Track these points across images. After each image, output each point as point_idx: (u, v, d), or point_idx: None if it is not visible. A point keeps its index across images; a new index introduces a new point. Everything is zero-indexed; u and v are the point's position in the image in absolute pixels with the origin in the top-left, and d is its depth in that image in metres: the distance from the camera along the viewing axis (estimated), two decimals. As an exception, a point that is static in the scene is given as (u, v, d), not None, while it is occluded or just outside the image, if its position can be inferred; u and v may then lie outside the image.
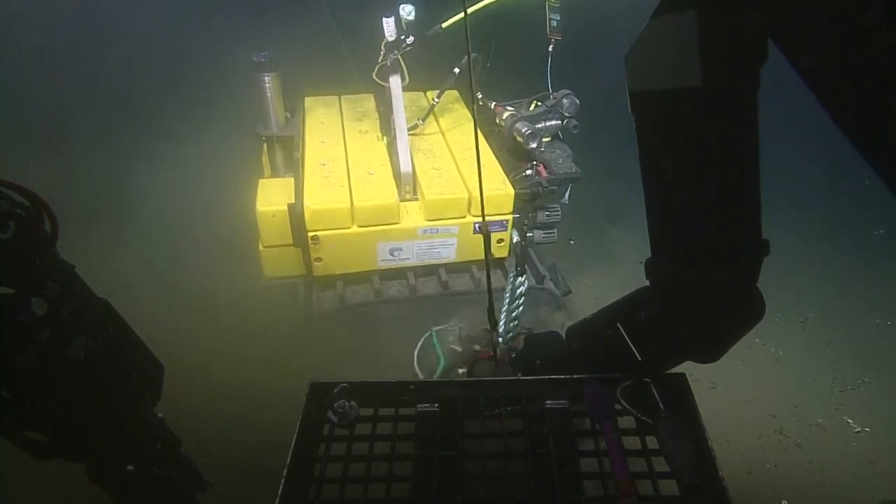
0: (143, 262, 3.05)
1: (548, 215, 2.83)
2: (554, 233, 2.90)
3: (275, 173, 2.93)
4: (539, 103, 2.84)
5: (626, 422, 1.49)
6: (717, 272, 1.25)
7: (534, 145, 2.69)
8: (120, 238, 3.09)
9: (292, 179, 2.68)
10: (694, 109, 1.12)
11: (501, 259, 2.83)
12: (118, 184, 3.27)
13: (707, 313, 1.32)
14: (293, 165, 2.74)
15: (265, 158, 2.99)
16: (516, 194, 2.60)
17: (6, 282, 0.94)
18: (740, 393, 2.56)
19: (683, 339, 1.39)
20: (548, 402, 1.54)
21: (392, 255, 2.58)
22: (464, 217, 2.59)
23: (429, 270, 2.71)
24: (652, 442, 1.44)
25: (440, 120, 3.08)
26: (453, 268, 2.73)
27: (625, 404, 1.49)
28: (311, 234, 2.43)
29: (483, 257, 2.61)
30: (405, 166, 2.62)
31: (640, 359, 1.45)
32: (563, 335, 1.75)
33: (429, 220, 2.55)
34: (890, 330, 2.77)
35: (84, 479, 1.15)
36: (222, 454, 1.85)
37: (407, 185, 2.64)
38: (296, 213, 2.46)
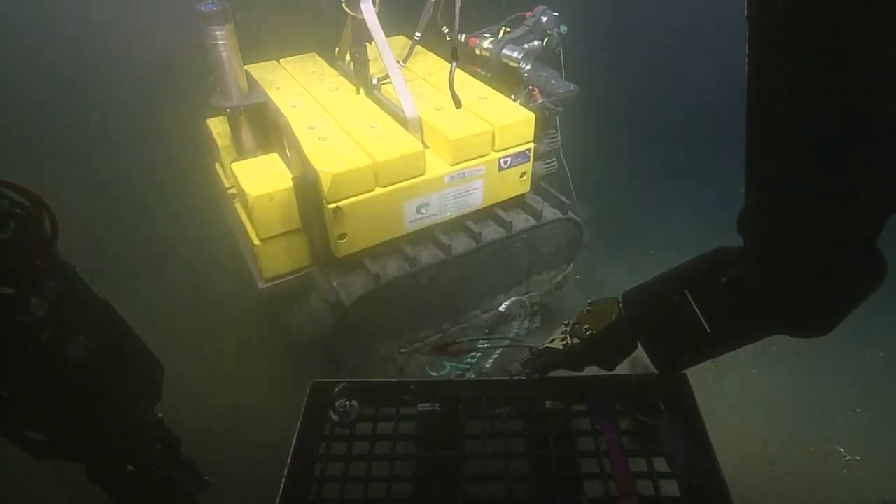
0: (143, 263, 3.05)
1: (548, 142, 2.69)
2: (554, 162, 2.78)
3: (241, 153, 2.50)
4: (508, 29, 2.69)
5: (627, 422, 1.49)
6: (842, 226, 1.02)
7: (528, 66, 2.55)
8: (116, 238, 3.09)
9: (273, 156, 2.37)
10: None
11: (523, 195, 2.61)
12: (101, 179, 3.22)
13: (823, 277, 1.08)
14: (271, 139, 2.40)
15: (220, 137, 2.60)
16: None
17: (6, 282, 0.94)
18: (734, 421, 2.55)
19: (784, 309, 1.16)
20: (548, 402, 1.54)
21: (420, 212, 2.30)
22: (488, 154, 2.36)
23: (455, 224, 2.46)
24: (652, 443, 1.44)
25: (411, 68, 2.81)
26: (479, 216, 2.50)
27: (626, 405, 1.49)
28: (332, 206, 2.10)
29: (509, 195, 2.52)
30: (411, 111, 2.32)
31: (708, 331, 1.24)
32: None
33: (455, 164, 2.30)
34: (881, 361, 2.81)
35: (84, 479, 1.15)
36: (222, 454, 1.84)
37: (415, 133, 2.33)
38: (307, 185, 2.10)
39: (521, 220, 2.51)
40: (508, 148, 2.39)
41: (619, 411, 1.50)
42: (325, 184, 2.06)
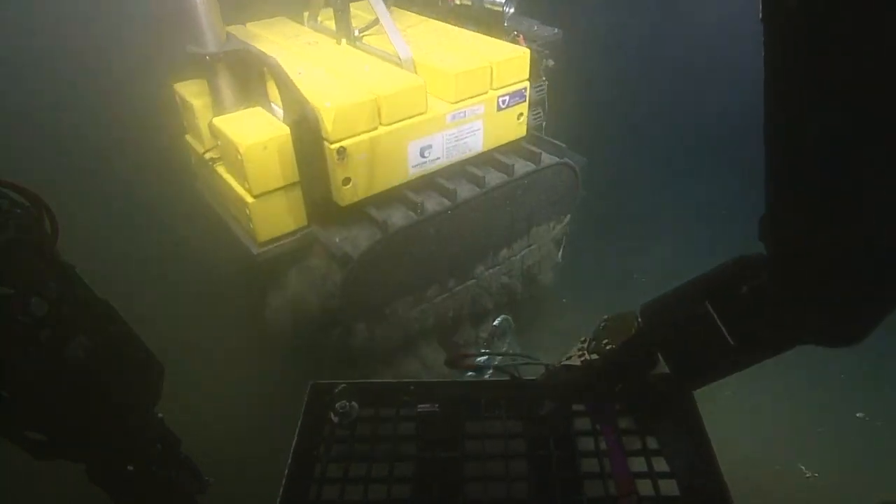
0: (142, 262, 3.05)
1: (535, 91, 2.69)
2: (541, 113, 2.82)
3: (220, 110, 2.27)
4: None
5: (627, 422, 1.49)
6: (844, 227, 1.01)
7: (512, 10, 2.60)
8: (116, 238, 3.08)
9: (257, 109, 2.23)
10: None
11: (520, 139, 2.61)
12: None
13: (853, 281, 1.05)
14: (253, 92, 2.23)
15: (194, 97, 2.37)
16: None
17: (6, 282, 0.94)
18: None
19: (812, 317, 1.13)
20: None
21: (423, 156, 2.25)
22: (487, 93, 2.35)
23: (456, 171, 2.45)
24: (652, 442, 1.44)
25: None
26: (480, 161, 2.51)
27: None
28: (335, 146, 1.99)
29: (507, 139, 2.53)
30: (404, 51, 2.27)
31: (732, 343, 1.20)
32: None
33: (456, 102, 2.27)
34: (844, 382, 2.94)
35: (84, 479, 1.15)
36: (222, 454, 1.84)
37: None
38: (306, 125, 1.96)
39: (521, 165, 2.53)
40: (506, 86, 2.39)
41: (619, 411, 1.50)
42: (328, 121, 1.98)
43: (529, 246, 2.77)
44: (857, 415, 2.86)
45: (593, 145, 3.06)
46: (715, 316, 1.21)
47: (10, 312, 0.93)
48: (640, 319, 1.37)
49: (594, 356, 1.39)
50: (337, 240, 2.16)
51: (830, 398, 2.90)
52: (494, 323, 2.73)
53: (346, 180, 2.08)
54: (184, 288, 2.97)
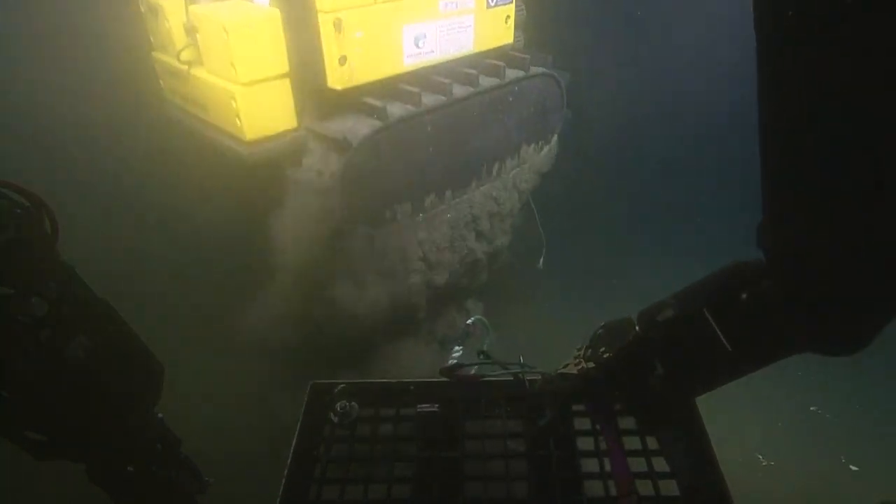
0: (140, 262, 3.05)
1: (517, 13, 2.71)
2: (521, 39, 2.88)
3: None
4: None
5: (627, 421, 1.49)
6: (875, 226, 0.98)
7: None
8: (116, 238, 3.08)
9: (247, 4, 2.11)
10: None
11: (506, 46, 2.64)
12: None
13: (855, 282, 1.04)
14: None
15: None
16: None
17: (6, 282, 0.94)
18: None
19: (814, 321, 1.11)
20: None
21: (418, 46, 2.27)
22: None
23: (450, 73, 2.45)
24: (652, 442, 1.44)
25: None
26: (471, 63, 2.53)
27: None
28: (331, 16, 1.93)
29: (496, 43, 2.58)
30: None
31: (730, 350, 1.19)
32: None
33: None
34: (801, 380, 3.16)
35: (84, 479, 1.15)
36: (222, 454, 1.84)
37: None
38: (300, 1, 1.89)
39: (511, 72, 2.62)
40: None
41: (619, 411, 1.49)
42: None
43: (520, 165, 2.84)
44: (811, 408, 3.19)
45: (585, 149, 3.10)
46: (713, 322, 1.20)
47: (10, 312, 0.93)
48: (637, 326, 1.35)
49: (590, 364, 1.37)
50: (333, 130, 2.13)
51: (788, 396, 3.17)
52: (468, 321, 2.72)
53: (343, 59, 2.03)
54: (184, 288, 2.97)
